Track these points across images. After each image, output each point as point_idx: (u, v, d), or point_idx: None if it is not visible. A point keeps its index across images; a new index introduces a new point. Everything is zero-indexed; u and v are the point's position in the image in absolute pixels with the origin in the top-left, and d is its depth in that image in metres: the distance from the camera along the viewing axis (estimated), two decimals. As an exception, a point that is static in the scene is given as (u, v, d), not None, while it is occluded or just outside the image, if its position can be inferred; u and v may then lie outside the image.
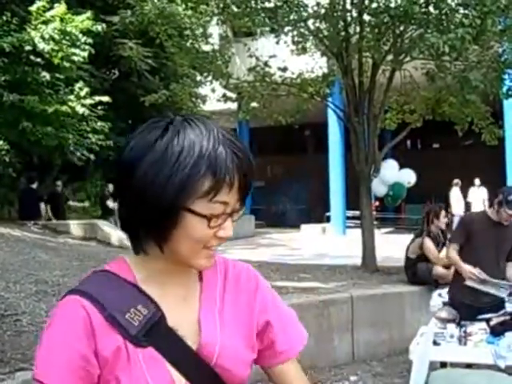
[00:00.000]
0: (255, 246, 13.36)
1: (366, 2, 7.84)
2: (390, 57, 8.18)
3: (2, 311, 4.65)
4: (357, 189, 8.45)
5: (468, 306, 4.71)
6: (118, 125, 13.39)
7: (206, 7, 8.87)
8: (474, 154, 19.63)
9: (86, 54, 11.10)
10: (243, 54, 10.17)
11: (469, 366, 4.46)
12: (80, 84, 11.36)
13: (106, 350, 1.05)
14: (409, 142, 23.94)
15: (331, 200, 17.30)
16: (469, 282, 4.64)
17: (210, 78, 9.32)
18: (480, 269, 4.60)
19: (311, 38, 8.72)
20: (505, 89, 8.15)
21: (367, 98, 8.29)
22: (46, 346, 1.05)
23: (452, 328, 4.54)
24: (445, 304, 5.13)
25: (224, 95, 9.78)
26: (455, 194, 16.76)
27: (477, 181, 16.89)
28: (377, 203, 15.32)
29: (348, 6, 8.07)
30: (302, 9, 8.17)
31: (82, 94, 11.24)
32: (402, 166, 9.32)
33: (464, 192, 16.95)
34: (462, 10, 7.32)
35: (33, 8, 10.78)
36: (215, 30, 10.98)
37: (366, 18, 7.99)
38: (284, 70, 9.02)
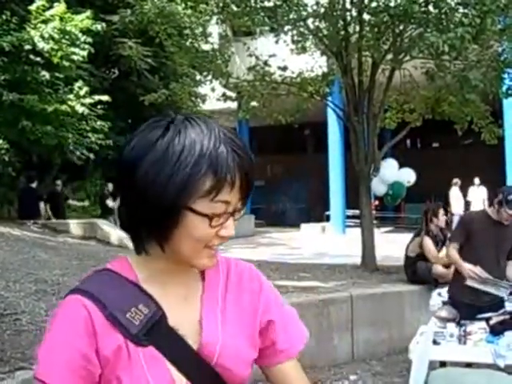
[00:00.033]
0: (255, 246, 13.36)
1: (366, 1, 7.84)
2: (389, 56, 8.17)
3: (2, 310, 4.65)
4: (356, 188, 8.45)
5: (468, 305, 4.70)
6: (117, 124, 13.39)
7: (206, 6, 8.86)
8: (473, 153, 19.65)
9: (85, 53, 11.10)
10: (243, 53, 10.17)
11: (468, 365, 4.46)
12: (79, 83, 11.35)
13: (107, 349, 1.05)
14: (408, 142, 23.95)
15: (331, 199, 17.31)
16: (469, 282, 4.63)
17: (209, 77, 9.31)
18: (480, 268, 4.60)
19: (311, 37, 8.72)
20: (504, 88, 8.15)
21: (367, 97, 8.29)
22: (47, 345, 1.06)
23: (452, 327, 4.54)
24: (444, 303, 5.13)
25: (224, 94, 9.78)
26: (455, 193, 16.76)
27: (476, 180, 16.89)
28: (376, 202, 15.29)
29: (348, 5, 8.07)
30: (301, 8, 8.17)
31: (82, 93, 11.23)
32: (401, 165, 9.31)
33: (464, 191, 16.95)
34: (461, 9, 7.31)
35: (32, 7, 10.78)
36: (215, 29, 10.97)
37: (366, 17, 7.99)
38: (284, 69, 9.02)
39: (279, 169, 24.35)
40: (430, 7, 7.38)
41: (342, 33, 8.14)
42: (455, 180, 16.80)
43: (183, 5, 9.12)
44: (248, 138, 19.99)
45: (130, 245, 1.15)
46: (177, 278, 1.15)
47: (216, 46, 9.67)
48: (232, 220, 1.08)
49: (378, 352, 5.92)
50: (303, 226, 17.92)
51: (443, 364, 4.55)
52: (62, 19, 10.85)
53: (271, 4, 8.20)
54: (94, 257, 7.85)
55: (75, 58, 10.99)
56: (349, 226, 16.90)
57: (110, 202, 13.42)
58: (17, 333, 4.17)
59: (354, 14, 8.09)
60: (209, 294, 1.17)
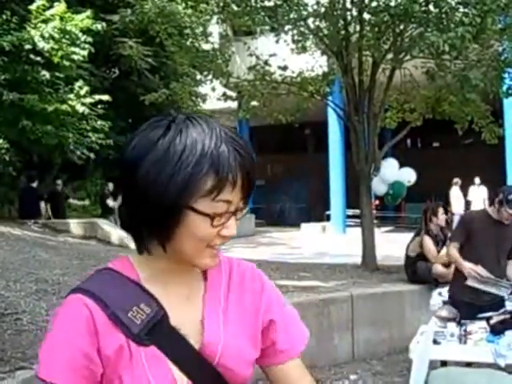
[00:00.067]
0: (255, 245, 13.36)
1: (366, 1, 7.84)
2: (389, 55, 8.17)
3: (3, 310, 4.65)
4: (357, 188, 8.45)
5: (468, 305, 4.70)
6: (117, 124, 13.39)
7: (206, 6, 8.86)
8: (474, 152, 19.64)
9: (85, 52, 11.10)
10: (243, 52, 10.17)
11: (469, 364, 4.46)
12: (80, 83, 11.35)
13: (109, 349, 1.05)
14: (409, 141, 23.95)
15: (331, 199, 17.31)
16: (469, 282, 4.63)
17: (210, 76, 9.32)
18: (481, 267, 4.60)
19: (311, 36, 8.72)
20: (505, 87, 8.16)
21: (367, 97, 8.29)
22: (49, 345, 1.06)
23: (452, 327, 4.54)
24: (445, 303, 5.13)
25: (224, 94, 9.78)
26: (455, 192, 16.76)
27: (477, 179, 16.88)
28: (377, 202, 15.30)
29: (348, 5, 8.07)
30: (301, 7, 8.17)
31: (82, 92, 11.23)
32: (402, 165, 9.31)
33: (464, 191, 16.94)
34: (461, 9, 7.31)
35: (33, 7, 10.77)
36: (215, 28, 10.97)
37: (366, 16, 7.99)
38: (284, 68, 9.02)
39: (279, 168, 24.34)
40: (431, 6, 7.38)
41: (343, 32, 8.14)
42: (455, 180, 16.80)
43: (183, 4, 9.11)
44: (248, 138, 19.97)
45: (131, 244, 1.16)
46: (179, 277, 1.14)
47: (216, 46, 9.67)
48: (234, 219, 1.08)
49: (378, 351, 5.92)
50: (303, 225, 17.92)
51: (444, 363, 4.55)
52: (62, 19, 10.84)
53: (271, 3, 8.20)
54: (94, 256, 7.85)
55: (75, 57, 10.99)
56: (349, 226, 16.91)
57: (110, 202, 13.42)
58: (17, 332, 4.17)
59: (355, 13, 8.09)
60: (211, 294, 1.17)
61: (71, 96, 11.08)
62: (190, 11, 9.07)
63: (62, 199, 13.45)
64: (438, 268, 6.21)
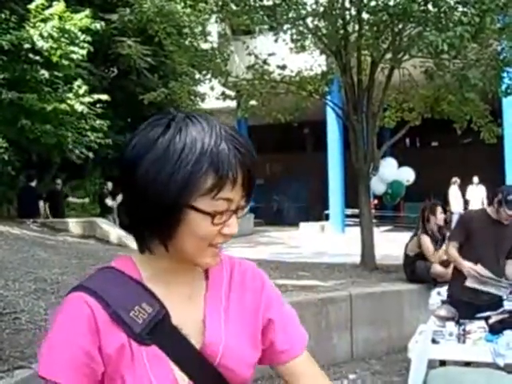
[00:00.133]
0: (254, 244, 13.37)
1: (365, 0, 7.83)
2: (388, 55, 8.17)
3: (1, 309, 4.64)
4: (356, 187, 8.45)
5: (467, 304, 4.70)
6: (116, 123, 13.40)
7: (205, 5, 8.86)
8: (472, 152, 19.66)
9: (84, 52, 11.10)
10: (242, 52, 10.17)
11: (468, 364, 4.46)
12: (79, 82, 11.35)
13: (110, 348, 1.04)
14: (408, 140, 23.97)
15: (330, 198, 17.31)
16: (469, 283, 4.63)
17: (208, 76, 9.32)
18: (480, 266, 4.60)
19: (310, 36, 8.72)
20: (504, 87, 8.15)
21: (366, 96, 8.29)
22: (50, 343, 1.05)
23: (451, 326, 4.54)
24: (444, 302, 5.13)
25: (223, 93, 9.78)
26: (454, 192, 16.77)
27: (475, 179, 16.89)
28: (376, 201, 15.33)
29: (347, 4, 8.06)
30: (300, 7, 8.17)
31: (81, 92, 11.23)
32: (400, 164, 9.33)
33: (463, 190, 16.96)
34: (460, 8, 7.30)
35: (31, 6, 10.77)
36: (214, 28, 10.98)
37: (365, 16, 7.99)
38: (283, 67, 9.03)
39: (278, 167, 24.34)
40: (429, 6, 7.37)
41: (341, 32, 8.14)
42: (454, 179, 16.81)
43: (182, 4, 9.12)
44: (247, 137, 19.98)
45: (130, 243, 1.16)
46: (180, 276, 1.14)
47: (215, 45, 9.68)
48: (235, 218, 1.08)
49: (377, 351, 5.92)
50: (302, 224, 17.94)
51: (442, 363, 4.55)
52: (61, 18, 10.84)
53: (270, 3, 8.20)
54: (93, 255, 7.84)
55: (74, 56, 10.99)
56: (348, 225, 16.92)
57: (109, 201, 13.40)
58: (16, 332, 4.16)
59: (353, 12, 8.09)
60: (212, 293, 1.17)
61: (70, 95, 11.08)
62: (188, 10, 9.08)
63: (61, 198, 13.43)
64: (437, 268, 6.22)
